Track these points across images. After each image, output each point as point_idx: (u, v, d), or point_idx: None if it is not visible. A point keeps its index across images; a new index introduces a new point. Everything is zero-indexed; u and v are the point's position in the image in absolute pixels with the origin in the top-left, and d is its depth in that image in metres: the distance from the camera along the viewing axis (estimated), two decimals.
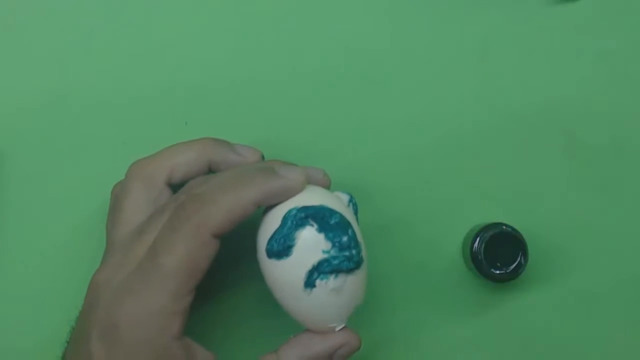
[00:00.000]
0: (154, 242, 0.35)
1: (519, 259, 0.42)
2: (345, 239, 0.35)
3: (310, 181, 0.38)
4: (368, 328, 0.43)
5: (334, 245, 0.35)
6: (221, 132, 0.41)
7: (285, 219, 0.35)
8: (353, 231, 0.36)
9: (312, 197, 0.36)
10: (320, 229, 0.35)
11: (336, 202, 0.37)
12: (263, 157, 0.41)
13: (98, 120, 0.44)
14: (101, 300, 0.35)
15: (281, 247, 0.35)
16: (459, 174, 0.45)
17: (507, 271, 0.42)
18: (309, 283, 0.35)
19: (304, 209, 0.35)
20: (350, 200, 0.38)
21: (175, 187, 0.39)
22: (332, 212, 0.35)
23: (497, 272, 0.42)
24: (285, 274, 0.35)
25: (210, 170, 0.40)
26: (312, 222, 0.35)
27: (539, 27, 0.46)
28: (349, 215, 0.37)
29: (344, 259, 0.35)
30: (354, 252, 0.35)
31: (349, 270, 0.35)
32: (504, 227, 0.42)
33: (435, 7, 0.46)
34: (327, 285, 0.35)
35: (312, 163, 0.44)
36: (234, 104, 0.45)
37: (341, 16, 0.46)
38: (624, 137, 0.46)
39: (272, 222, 0.36)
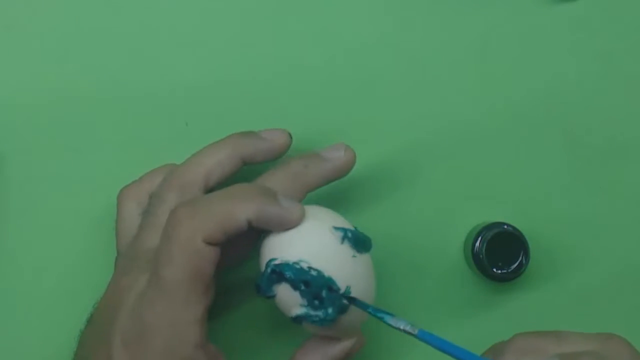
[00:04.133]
0: (155, 253, 0.35)
1: (520, 258, 0.42)
2: (316, 302, 0.35)
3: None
4: (369, 328, 0.43)
5: (308, 304, 0.35)
6: (221, 133, 0.41)
7: (265, 268, 0.35)
8: (327, 292, 0.35)
9: (297, 241, 0.35)
10: (295, 289, 0.35)
11: (328, 241, 0.36)
12: (291, 136, 0.41)
13: (98, 120, 0.44)
14: (124, 306, 0.35)
15: (264, 294, 0.35)
16: (459, 174, 0.45)
17: (509, 271, 0.42)
18: (297, 322, 0.36)
19: (278, 267, 0.35)
20: (345, 237, 0.36)
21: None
22: (303, 276, 0.34)
23: (499, 271, 0.42)
24: (278, 308, 0.36)
25: (245, 164, 0.40)
26: (285, 282, 0.35)
27: (538, 27, 0.46)
28: (340, 255, 0.35)
29: (317, 319, 0.35)
30: (329, 310, 0.35)
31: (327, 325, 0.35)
32: (505, 227, 0.42)
33: (434, 5, 0.46)
34: (314, 326, 0.36)
35: None
36: (234, 104, 0.45)
37: (341, 16, 0.46)
38: (624, 136, 0.46)
39: (262, 258, 0.36)
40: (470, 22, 0.46)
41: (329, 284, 0.35)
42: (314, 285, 0.34)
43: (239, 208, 0.34)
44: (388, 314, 0.35)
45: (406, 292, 0.44)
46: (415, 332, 0.33)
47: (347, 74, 0.45)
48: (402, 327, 0.34)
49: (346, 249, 0.36)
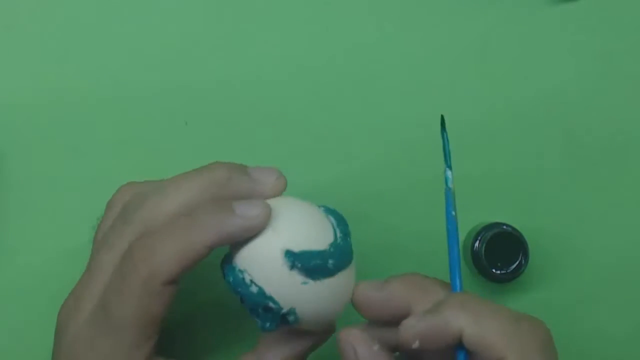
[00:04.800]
0: (105, 292, 0.33)
1: (519, 259, 0.42)
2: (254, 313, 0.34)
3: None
4: None
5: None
6: (221, 133, 0.41)
7: (224, 260, 0.34)
8: (263, 310, 0.34)
9: (245, 253, 0.34)
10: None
11: (276, 264, 0.34)
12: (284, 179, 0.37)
13: (98, 120, 0.44)
14: (62, 345, 0.34)
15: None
16: (458, 174, 0.45)
17: (508, 271, 0.42)
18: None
19: (223, 268, 0.34)
20: (294, 266, 0.33)
21: None
22: (240, 288, 0.34)
23: (498, 272, 0.42)
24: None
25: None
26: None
27: (538, 27, 0.46)
28: (287, 279, 0.33)
29: (257, 324, 0.34)
30: (266, 324, 0.34)
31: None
32: (505, 227, 0.42)
33: (434, 6, 0.46)
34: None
35: (311, 163, 0.44)
36: (233, 104, 0.45)
37: (341, 17, 0.45)
38: (624, 137, 0.46)
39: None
40: (470, 22, 0.46)
41: (266, 303, 0.33)
42: (248, 301, 0.34)
43: (197, 239, 0.32)
44: None
45: None
46: None
47: (347, 74, 0.45)
48: None
49: (295, 275, 0.34)
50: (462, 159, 0.45)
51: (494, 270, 0.42)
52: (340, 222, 0.36)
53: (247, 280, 0.33)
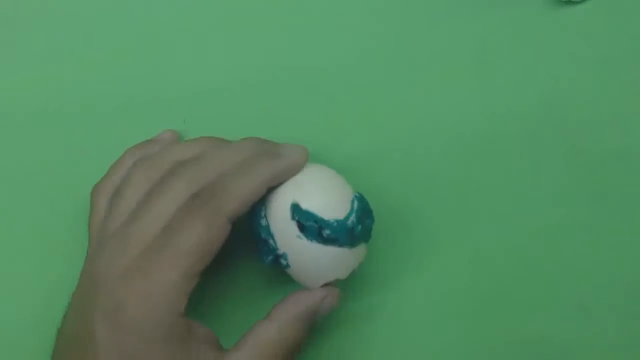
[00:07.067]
0: (170, 223, 0.36)
1: None
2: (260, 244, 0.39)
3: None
4: (367, 327, 0.43)
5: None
6: (220, 131, 0.42)
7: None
8: (264, 243, 0.38)
9: (265, 196, 0.38)
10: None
11: (283, 210, 0.37)
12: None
13: (97, 119, 0.44)
14: (103, 286, 0.35)
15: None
16: (458, 176, 0.45)
17: None
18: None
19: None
20: (293, 217, 0.37)
21: None
22: (253, 218, 0.38)
23: None
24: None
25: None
26: None
27: (539, 31, 0.46)
28: (286, 226, 0.37)
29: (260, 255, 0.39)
30: (266, 257, 0.38)
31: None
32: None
33: (434, 8, 0.46)
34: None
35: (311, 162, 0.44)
36: (232, 102, 0.45)
37: (341, 19, 0.46)
38: (625, 143, 0.46)
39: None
40: (470, 25, 0.46)
41: (267, 238, 0.38)
42: (256, 231, 0.38)
43: (255, 179, 0.37)
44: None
45: (403, 293, 0.44)
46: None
47: (346, 77, 0.46)
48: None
49: (294, 226, 0.37)
50: (460, 163, 0.45)
51: None
52: (363, 212, 0.38)
53: (262, 213, 0.38)
